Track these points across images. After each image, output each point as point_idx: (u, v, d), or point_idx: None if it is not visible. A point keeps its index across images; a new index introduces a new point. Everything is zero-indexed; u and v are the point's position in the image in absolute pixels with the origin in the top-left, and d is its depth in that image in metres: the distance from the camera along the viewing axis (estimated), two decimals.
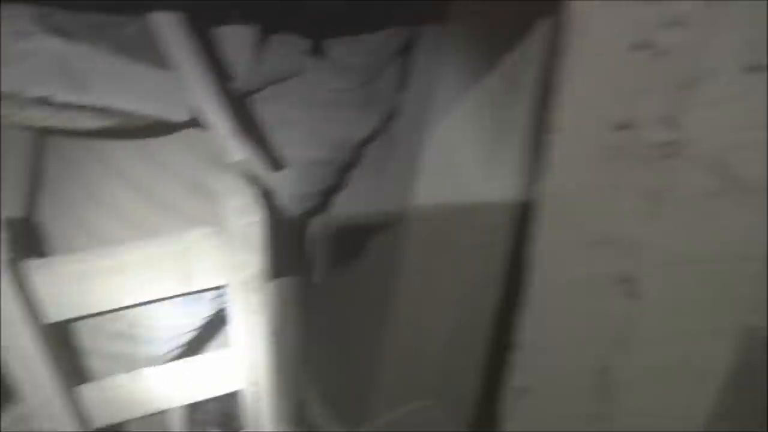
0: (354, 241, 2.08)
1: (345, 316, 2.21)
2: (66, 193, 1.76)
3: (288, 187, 1.70)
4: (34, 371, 1.54)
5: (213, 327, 2.04)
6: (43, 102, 1.36)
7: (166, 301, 1.71)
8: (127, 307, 1.58)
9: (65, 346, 1.65)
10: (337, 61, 1.63)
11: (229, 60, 1.56)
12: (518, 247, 1.27)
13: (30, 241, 1.76)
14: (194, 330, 2.02)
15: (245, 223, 1.42)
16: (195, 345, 2.03)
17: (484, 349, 1.44)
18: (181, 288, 1.57)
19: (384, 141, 1.84)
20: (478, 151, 1.22)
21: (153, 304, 1.66)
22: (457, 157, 1.25)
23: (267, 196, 1.48)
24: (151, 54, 1.40)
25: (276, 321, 1.55)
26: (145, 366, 1.94)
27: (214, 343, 1.98)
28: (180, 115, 1.43)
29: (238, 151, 1.38)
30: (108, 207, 1.71)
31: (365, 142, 1.78)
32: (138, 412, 1.81)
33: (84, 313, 1.56)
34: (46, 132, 1.71)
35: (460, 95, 1.24)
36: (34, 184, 1.76)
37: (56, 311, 1.53)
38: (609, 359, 0.97)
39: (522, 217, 1.26)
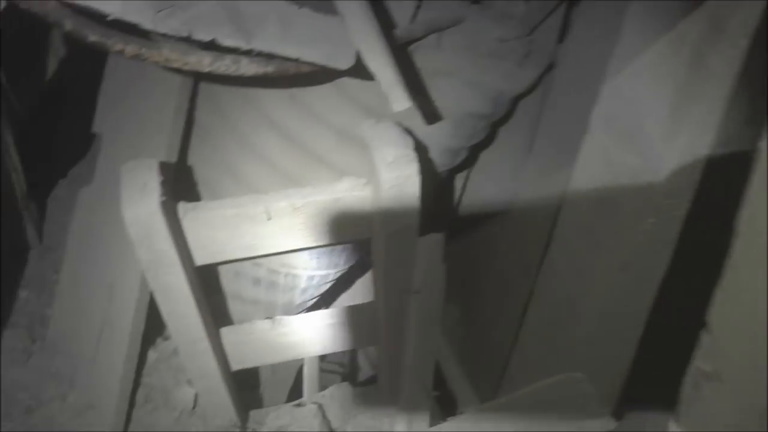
0: (498, 200, 2.00)
1: (489, 279, 2.15)
2: (217, 139, 1.78)
3: (442, 140, 1.64)
4: (182, 311, 1.58)
5: (350, 279, 2.03)
6: (209, 47, 1.36)
7: (307, 251, 1.71)
8: (273, 255, 1.58)
9: (211, 290, 1.68)
10: (499, 9, 1.54)
11: (391, 8, 1.50)
12: (700, 212, 1.16)
13: (181, 185, 1.79)
14: (332, 281, 2.02)
15: (398, 176, 1.37)
16: (331, 297, 2.03)
17: (643, 325, 1.34)
18: (326, 238, 1.55)
19: (537, 96, 1.74)
20: (663, 105, 1.11)
21: (295, 254, 1.66)
22: (637, 111, 1.14)
23: (420, 150, 1.42)
24: (316, 1, 1.36)
25: (419, 278, 1.50)
26: (283, 314, 1.97)
27: (349, 297, 1.97)
28: (345, 63, 1.39)
29: (399, 101, 1.32)
30: (258, 155, 1.71)
31: (521, 97, 1.69)
32: (275, 358, 1.83)
33: (231, 258, 1.58)
34: (203, 78, 1.73)
35: (649, 39, 1.12)
36: (187, 129, 1.78)
37: (204, 255, 1.55)
38: None
39: (705, 180, 1.13)
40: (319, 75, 1.47)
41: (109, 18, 1.30)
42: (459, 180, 2.00)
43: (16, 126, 1.85)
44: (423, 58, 1.55)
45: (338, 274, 2.03)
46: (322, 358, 2.15)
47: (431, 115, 1.54)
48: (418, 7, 1.49)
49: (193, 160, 1.84)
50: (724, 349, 0.91)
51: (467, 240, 2.33)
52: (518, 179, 1.89)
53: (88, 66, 1.84)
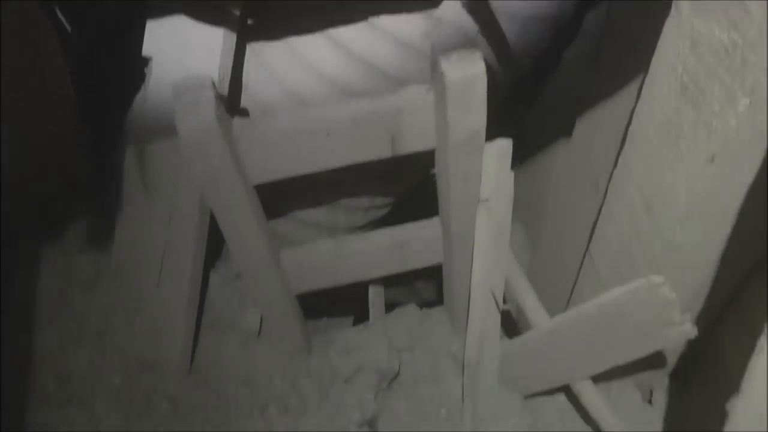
0: (561, 117, 1.90)
1: (554, 200, 2.06)
2: (270, 54, 1.71)
3: (504, 47, 1.54)
4: (243, 231, 1.54)
5: (415, 197, 1.97)
6: None
7: (365, 169, 1.65)
8: (334, 170, 1.52)
9: (270, 212, 1.64)
10: None
11: None
12: None
13: (236, 101, 1.74)
14: (395, 201, 1.96)
15: (464, 76, 1.29)
16: (395, 217, 1.97)
17: (731, 226, 1.23)
18: (389, 151, 1.48)
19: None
20: None
21: (356, 172, 1.60)
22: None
23: (484, 55, 1.33)
24: None
25: (488, 185, 1.43)
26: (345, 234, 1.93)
27: (414, 215, 1.90)
28: None
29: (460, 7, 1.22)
30: (313, 68, 1.64)
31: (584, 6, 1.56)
32: (339, 280, 1.80)
33: (289, 175, 1.53)
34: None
35: None
36: (240, 45, 1.72)
37: (261, 173, 1.50)
38: None
39: None
40: None
41: None
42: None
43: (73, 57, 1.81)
44: None
45: (405, 194, 1.97)
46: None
47: (493, 21, 1.43)
48: None
49: (248, 77, 1.77)
50: None
51: (530, 162, 2.24)
52: (584, 92, 1.77)
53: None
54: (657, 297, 1.25)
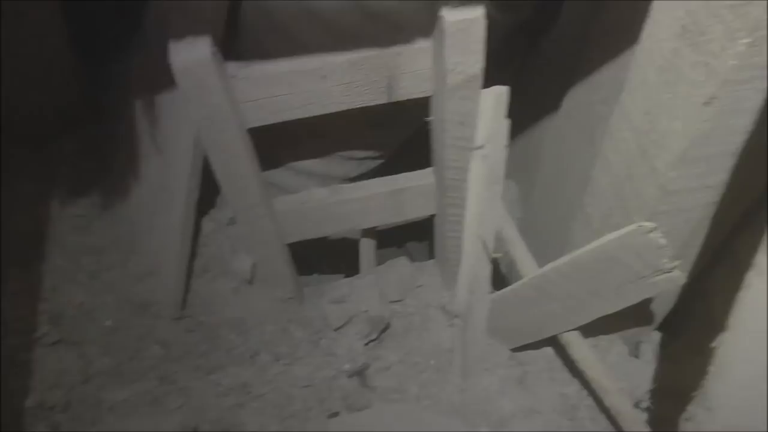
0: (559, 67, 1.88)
1: (549, 153, 2.05)
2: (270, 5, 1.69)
3: None
4: (238, 172, 1.54)
5: (409, 148, 1.96)
6: None
7: (359, 118, 1.64)
8: (329, 117, 1.52)
9: (263, 160, 1.64)
10: None
11: None
12: None
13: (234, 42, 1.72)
14: (389, 151, 1.95)
15: (463, 19, 1.28)
16: (389, 168, 1.96)
17: (729, 170, 1.22)
18: (385, 96, 1.47)
19: None
20: None
21: (351, 119, 1.59)
22: None
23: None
24: None
25: (483, 132, 1.42)
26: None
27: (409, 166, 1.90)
28: None
29: None
30: (312, 15, 1.62)
31: None
32: (332, 229, 1.80)
33: (284, 118, 1.52)
34: None
35: None
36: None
37: (257, 115, 1.50)
38: None
39: None
40: None
41: None
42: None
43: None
44: None
45: (398, 145, 1.96)
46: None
47: None
48: None
49: (245, 22, 1.75)
50: None
51: (526, 116, 2.22)
52: (582, 44, 1.76)
53: None
54: (647, 243, 1.25)
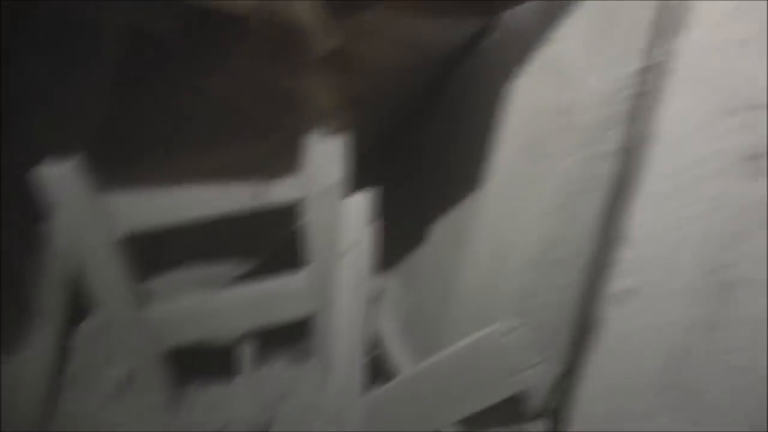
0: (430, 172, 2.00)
1: (424, 248, 2.14)
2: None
3: None
4: (109, 284, 1.54)
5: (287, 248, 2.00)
6: None
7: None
8: (199, 221, 1.55)
9: (137, 264, 1.64)
10: None
11: None
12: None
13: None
14: (266, 252, 1.98)
15: (327, 131, 1.37)
16: (265, 269, 1.99)
17: (580, 266, 1.32)
18: (256, 201, 1.53)
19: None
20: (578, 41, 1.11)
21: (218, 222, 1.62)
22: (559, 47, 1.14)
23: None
24: None
25: (351, 237, 1.49)
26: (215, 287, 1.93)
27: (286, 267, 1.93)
28: None
29: None
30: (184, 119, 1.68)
31: None
32: (207, 334, 1.79)
33: (158, 224, 1.54)
34: None
35: None
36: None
37: (131, 221, 1.52)
38: (727, 255, 0.86)
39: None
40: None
41: None
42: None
43: None
44: None
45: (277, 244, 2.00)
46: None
47: None
48: None
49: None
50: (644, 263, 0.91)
51: (403, 217, 2.33)
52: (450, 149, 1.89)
53: None
54: (504, 344, 1.32)
